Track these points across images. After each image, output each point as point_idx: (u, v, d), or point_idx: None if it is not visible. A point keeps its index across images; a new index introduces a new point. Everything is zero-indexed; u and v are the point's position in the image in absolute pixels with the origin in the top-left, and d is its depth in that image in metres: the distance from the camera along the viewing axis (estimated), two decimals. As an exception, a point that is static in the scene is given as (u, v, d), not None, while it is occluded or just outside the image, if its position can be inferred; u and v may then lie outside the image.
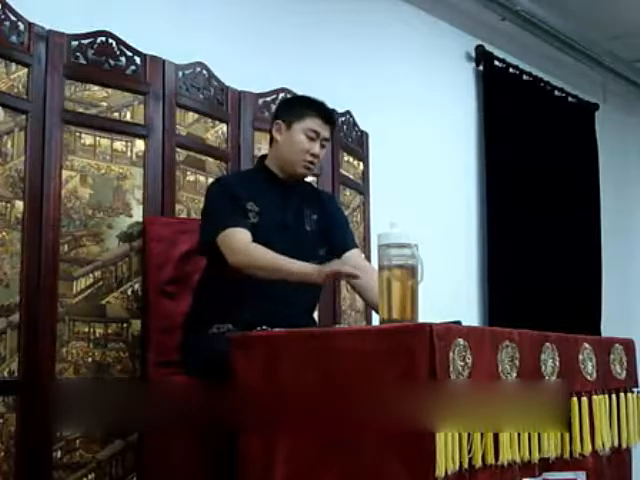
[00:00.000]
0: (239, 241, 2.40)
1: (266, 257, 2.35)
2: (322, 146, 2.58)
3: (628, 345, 2.47)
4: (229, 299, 2.44)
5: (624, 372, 2.40)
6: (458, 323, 1.99)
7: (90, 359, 2.70)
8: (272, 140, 2.62)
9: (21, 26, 2.63)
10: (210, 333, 2.44)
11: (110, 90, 2.84)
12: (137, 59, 2.91)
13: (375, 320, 2.74)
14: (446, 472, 1.74)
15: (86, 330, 2.70)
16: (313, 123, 2.54)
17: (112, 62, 2.85)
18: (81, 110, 2.77)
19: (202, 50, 3.21)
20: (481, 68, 4.90)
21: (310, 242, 2.59)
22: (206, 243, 2.49)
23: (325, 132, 2.57)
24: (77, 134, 2.76)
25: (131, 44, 2.90)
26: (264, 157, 2.66)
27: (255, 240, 2.43)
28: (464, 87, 4.86)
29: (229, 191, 2.51)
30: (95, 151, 2.79)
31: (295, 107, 2.61)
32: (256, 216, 2.49)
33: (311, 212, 2.63)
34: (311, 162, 2.55)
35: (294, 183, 2.62)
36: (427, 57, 4.55)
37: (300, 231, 2.58)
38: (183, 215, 3.03)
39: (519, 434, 1.94)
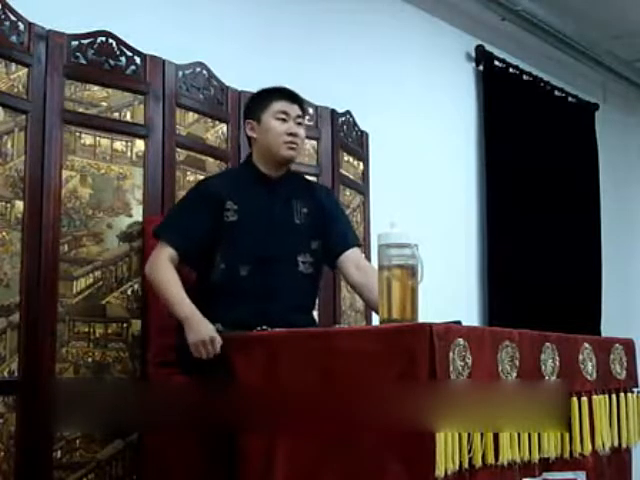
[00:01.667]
0: (159, 256, 2.48)
1: (165, 283, 2.43)
2: (298, 124, 2.59)
3: (628, 345, 2.47)
4: (218, 299, 2.45)
5: (624, 372, 2.40)
6: (458, 323, 1.99)
7: (90, 359, 2.70)
8: (249, 141, 2.66)
9: (21, 26, 2.62)
10: None
11: (110, 90, 2.84)
12: (137, 59, 2.91)
13: (375, 320, 2.74)
14: (446, 472, 1.74)
15: (86, 330, 2.70)
16: (278, 105, 2.57)
17: (112, 62, 2.85)
18: (81, 110, 2.77)
19: (202, 50, 3.21)
20: (481, 68, 4.90)
21: (301, 235, 2.58)
22: (153, 234, 2.57)
23: (294, 110, 2.58)
24: (77, 134, 2.76)
25: (131, 44, 2.90)
26: (250, 155, 2.67)
27: (238, 238, 2.46)
28: (464, 87, 4.85)
29: (202, 194, 2.55)
30: (95, 151, 2.79)
31: (257, 101, 2.65)
32: (235, 214, 2.50)
33: (301, 205, 2.61)
34: (293, 142, 2.56)
35: (280, 176, 2.62)
36: (427, 57, 4.55)
37: (289, 225, 2.57)
38: (183, 215, 3.02)
39: (519, 434, 1.94)
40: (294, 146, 2.56)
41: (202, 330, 2.28)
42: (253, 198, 2.54)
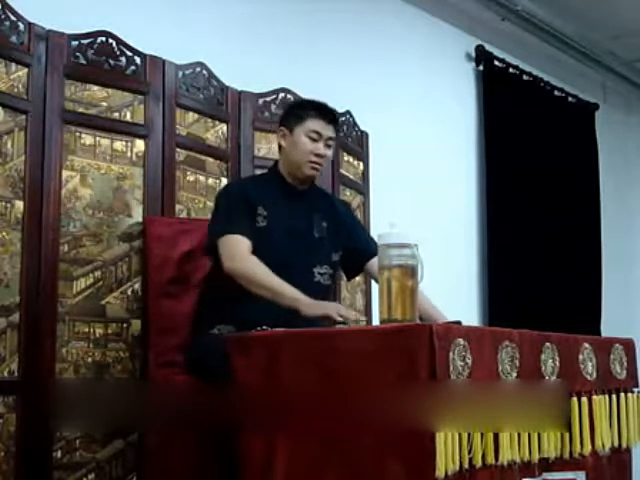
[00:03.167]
0: (238, 248, 2.42)
1: (263, 273, 2.37)
2: (327, 146, 2.59)
3: (628, 345, 2.47)
4: (234, 301, 2.45)
5: (624, 372, 2.40)
6: (458, 323, 1.99)
7: (90, 359, 2.70)
8: (279, 148, 2.65)
9: (21, 26, 2.63)
10: (211, 333, 2.45)
11: (110, 90, 2.84)
12: (137, 59, 2.91)
13: (375, 320, 2.74)
14: (446, 472, 1.74)
15: (86, 330, 2.70)
16: (314, 124, 2.56)
17: (112, 62, 2.85)
18: (81, 110, 2.77)
19: (202, 50, 3.21)
20: (481, 68, 4.90)
21: (320, 248, 2.61)
22: (210, 245, 2.51)
23: (328, 132, 2.58)
24: (77, 134, 2.76)
25: (131, 44, 2.90)
26: (277, 163, 2.68)
27: (263, 244, 2.46)
28: (464, 87, 4.85)
29: (239, 195, 2.54)
30: (95, 151, 2.79)
31: (295, 111, 2.64)
32: (264, 220, 2.51)
33: (320, 219, 2.64)
34: (317, 162, 2.57)
35: (304, 189, 2.64)
36: (427, 57, 4.55)
37: (307, 239, 2.59)
38: (183, 215, 3.03)
39: (519, 434, 1.94)
40: (317, 167, 2.58)
41: (325, 304, 2.32)
42: (279, 207, 2.55)
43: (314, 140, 2.56)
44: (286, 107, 2.82)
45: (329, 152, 2.61)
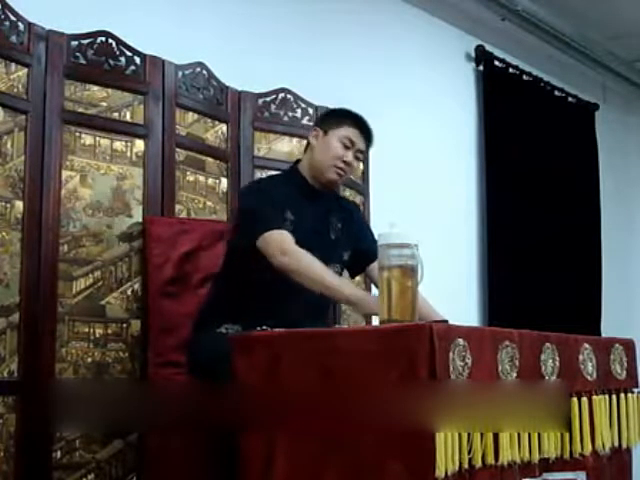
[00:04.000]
0: (287, 243, 2.40)
1: (318, 268, 2.35)
2: (356, 157, 2.60)
3: (628, 345, 2.47)
4: (244, 300, 2.45)
5: (624, 372, 2.40)
6: (445, 322, 2.00)
7: (90, 359, 2.70)
8: (307, 146, 2.65)
9: (21, 26, 2.63)
10: (217, 332, 2.45)
11: (110, 90, 2.84)
12: (137, 59, 2.91)
13: (375, 320, 2.74)
14: (446, 472, 1.74)
15: (86, 330, 2.70)
16: (349, 132, 2.57)
17: (112, 62, 2.85)
18: (81, 110, 2.77)
19: (202, 50, 3.21)
20: (481, 68, 4.90)
21: (335, 248, 2.63)
22: (247, 245, 2.46)
23: (360, 143, 2.59)
24: (77, 134, 2.76)
25: (131, 44, 2.90)
26: (298, 162, 2.68)
27: None
28: (464, 87, 4.85)
29: (269, 195, 2.52)
30: (95, 151, 2.80)
31: (334, 116, 2.65)
32: (291, 225, 2.50)
33: (336, 221, 2.66)
34: (342, 169, 2.57)
35: (323, 191, 2.64)
36: (427, 57, 4.55)
37: (325, 240, 2.60)
38: (183, 215, 3.03)
39: (519, 434, 1.94)
40: (341, 172, 2.58)
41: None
42: (303, 210, 2.55)
43: (346, 147, 2.56)
44: (326, 111, 2.84)
45: (355, 164, 2.63)
